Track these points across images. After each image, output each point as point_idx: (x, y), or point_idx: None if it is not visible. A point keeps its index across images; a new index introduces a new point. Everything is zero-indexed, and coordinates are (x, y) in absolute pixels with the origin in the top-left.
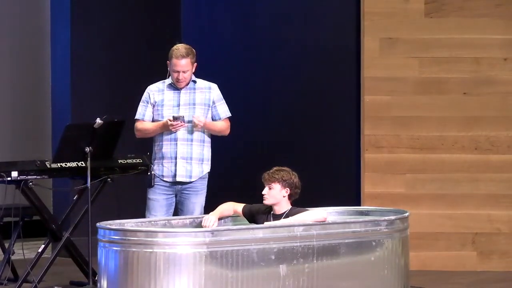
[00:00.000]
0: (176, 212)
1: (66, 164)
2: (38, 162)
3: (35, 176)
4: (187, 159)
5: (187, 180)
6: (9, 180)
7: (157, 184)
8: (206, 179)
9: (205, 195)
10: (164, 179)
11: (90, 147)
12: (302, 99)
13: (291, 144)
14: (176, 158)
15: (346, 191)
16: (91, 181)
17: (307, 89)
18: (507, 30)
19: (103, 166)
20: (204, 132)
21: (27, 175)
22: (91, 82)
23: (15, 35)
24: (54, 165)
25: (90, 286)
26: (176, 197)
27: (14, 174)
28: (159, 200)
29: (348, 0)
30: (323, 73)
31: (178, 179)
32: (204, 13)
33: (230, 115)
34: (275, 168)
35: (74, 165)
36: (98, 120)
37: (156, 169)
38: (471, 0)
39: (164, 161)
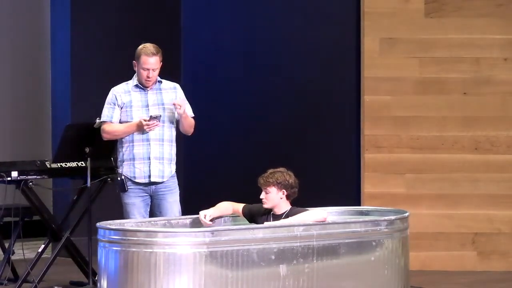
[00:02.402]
0: (153, 216)
1: (66, 164)
2: (38, 162)
3: (35, 176)
4: (159, 159)
5: (160, 180)
6: (9, 180)
7: (130, 188)
8: (176, 178)
9: (178, 193)
10: (136, 180)
11: (90, 147)
12: (302, 99)
13: (291, 144)
14: (149, 159)
15: (346, 191)
16: (91, 181)
17: (307, 89)
18: (507, 30)
19: (103, 166)
20: (172, 132)
21: (27, 175)
22: (91, 82)
23: (15, 36)
24: (54, 165)
25: (90, 286)
26: (151, 200)
27: (14, 174)
28: (135, 203)
29: (348, 0)
30: (323, 73)
31: (152, 179)
32: (204, 14)
33: (193, 115)
34: (269, 171)
35: (74, 165)
36: (98, 120)
37: (127, 171)
38: (471, 0)
39: (135, 162)
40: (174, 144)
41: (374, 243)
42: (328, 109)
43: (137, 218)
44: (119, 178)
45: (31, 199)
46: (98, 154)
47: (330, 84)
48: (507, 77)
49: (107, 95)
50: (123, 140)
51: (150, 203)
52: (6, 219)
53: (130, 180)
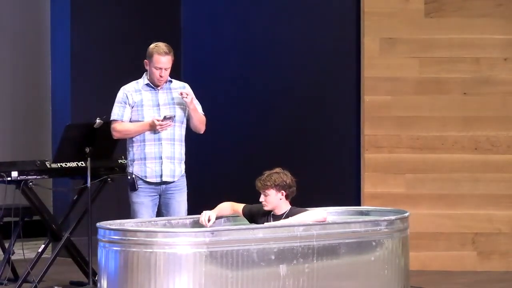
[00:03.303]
0: (159, 215)
1: (66, 164)
2: (38, 162)
3: (35, 176)
4: (171, 158)
5: (171, 179)
6: (9, 180)
7: (140, 187)
8: (185, 177)
9: (186, 193)
10: (148, 180)
11: (90, 147)
12: (302, 99)
13: (291, 144)
14: (161, 158)
15: (346, 191)
16: (91, 181)
17: (307, 89)
18: (507, 30)
19: (103, 166)
20: (182, 131)
21: (27, 175)
22: (91, 82)
23: (15, 35)
24: (54, 165)
25: (90, 286)
26: (160, 198)
27: (14, 174)
28: (144, 202)
29: (348, 0)
30: (323, 74)
31: (164, 179)
32: (204, 13)
33: (203, 113)
34: (265, 174)
35: (74, 165)
36: (98, 120)
37: (138, 170)
38: (471, 0)
39: (147, 161)
40: (184, 144)
41: (374, 243)
42: (328, 109)
43: (144, 217)
44: (129, 177)
45: (31, 199)
46: (98, 154)
47: (330, 84)
48: (507, 77)
49: (107, 95)
50: (133, 139)
51: (158, 203)
52: (6, 219)
53: (141, 179)
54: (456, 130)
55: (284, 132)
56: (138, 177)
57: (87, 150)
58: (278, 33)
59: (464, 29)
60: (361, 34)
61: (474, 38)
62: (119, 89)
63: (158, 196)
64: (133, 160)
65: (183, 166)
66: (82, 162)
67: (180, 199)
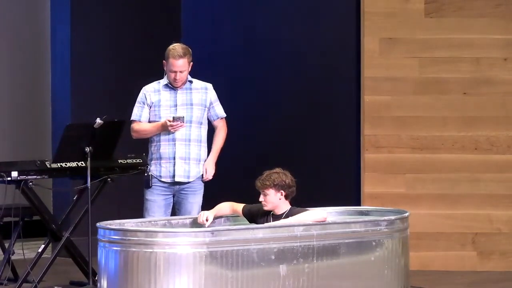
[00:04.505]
0: (173, 213)
1: (66, 164)
2: (38, 162)
3: (35, 176)
4: (185, 159)
5: (185, 180)
6: (9, 180)
7: (155, 185)
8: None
9: (202, 194)
10: (162, 179)
11: (90, 147)
12: (302, 99)
13: (291, 144)
14: (174, 158)
15: (346, 191)
16: (91, 181)
17: (307, 89)
18: (507, 30)
19: (103, 166)
20: (201, 132)
21: (27, 175)
22: (91, 82)
23: (15, 35)
24: (54, 165)
25: (90, 286)
26: (173, 198)
27: (14, 174)
28: (156, 200)
29: (348, 0)
30: (323, 73)
31: (177, 179)
32: (204, 13)
33: (225, 115)
34: (265, 174)
35: (74, 165)
36: (98, 120)
37: (154, 169)
38: (471, 0)
39: (162, 161)
40: (203, 145)
41: (374, 243)
42: (328, 109)
43: (155, 216)
44: (145, 174)
45: (31, 199)
46: (98, 154)
47: (330, 84)
48: (507, 77)
49: (107, 95)
50: (151, 139)
51: (172, 203)
52: (6, 219)
53: (156, 178)
54: (456, 130)
55: (284, 132)
56: (153, 176)
57: (87, 150)
58: (278, 33)
59: (464, 29)
60: (361, 34)
61: (474, 38)
62: (119, 89)
63: (171, 196)
64: (151, 160)
65: (201, 167)
66: (82, 162)
67: (193, 201)
